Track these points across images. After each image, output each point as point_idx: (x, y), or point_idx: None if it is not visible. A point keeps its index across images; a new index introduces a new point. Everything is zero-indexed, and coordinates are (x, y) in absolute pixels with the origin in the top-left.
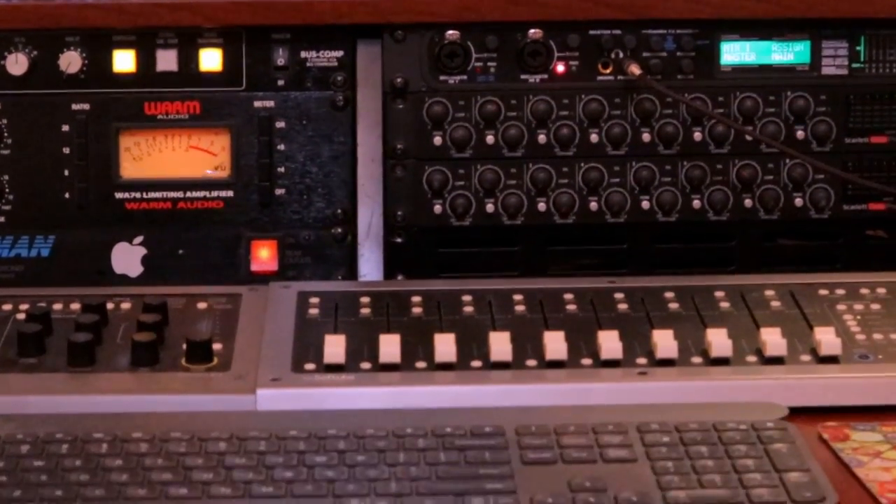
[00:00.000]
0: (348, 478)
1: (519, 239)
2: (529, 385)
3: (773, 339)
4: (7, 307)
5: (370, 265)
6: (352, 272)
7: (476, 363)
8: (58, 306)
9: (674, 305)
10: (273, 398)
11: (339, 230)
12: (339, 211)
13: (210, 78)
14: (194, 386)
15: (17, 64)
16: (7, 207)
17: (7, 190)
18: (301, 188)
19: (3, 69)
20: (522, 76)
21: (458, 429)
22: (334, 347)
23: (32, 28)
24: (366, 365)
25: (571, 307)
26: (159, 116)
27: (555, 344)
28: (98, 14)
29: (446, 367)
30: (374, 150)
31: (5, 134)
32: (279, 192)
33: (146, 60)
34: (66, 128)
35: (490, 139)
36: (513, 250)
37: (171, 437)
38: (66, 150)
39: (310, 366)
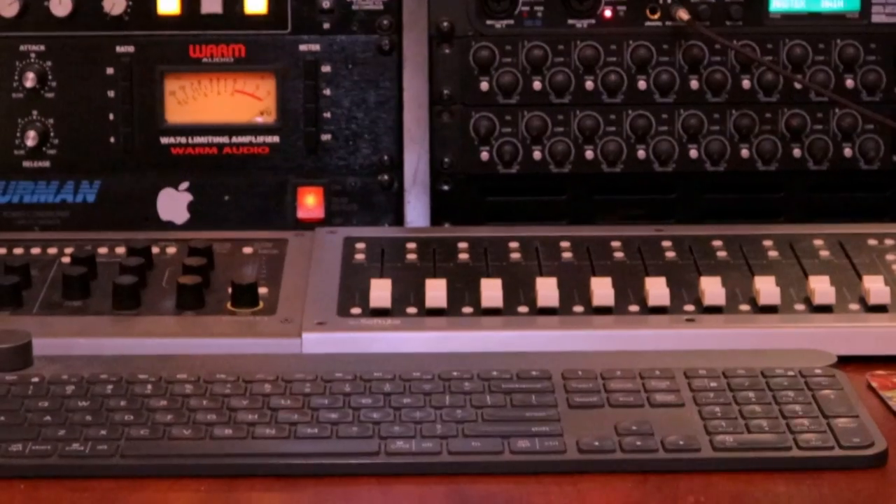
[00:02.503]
0: (394, 419)
1: (566, 187)
2: (576, 331)
3: (821, 288)
4: (52, 251)
5: (416, 213)
6: (398, 219)
7: (523, 309)
8: (103, 250)
9: (722, 254)
10: (318, 342)
11: (386, 177)
12: (386, 157)
13: (255, 20)
14: (239, 329)
15: (61, 5)
16: (52, 152)
17: (52, 134)
18: (347, 134)
19: (48, 10)
20: (570, 21)
21: (505, 372)
22: (380, 291)
23: None
24: (412, 310)
25: (619, 255)
26: (204, 60)
27: (602, 290)
28: None
29: (493, 312)
30: (421, 95)
31: (49, 77)
32: (325, 137)
33: (191, 2)
34: (110, 71)
35: (537, 85)
36: (560, 199)
37: (217, 379)
38: (111, 94)
39: (356, 310)
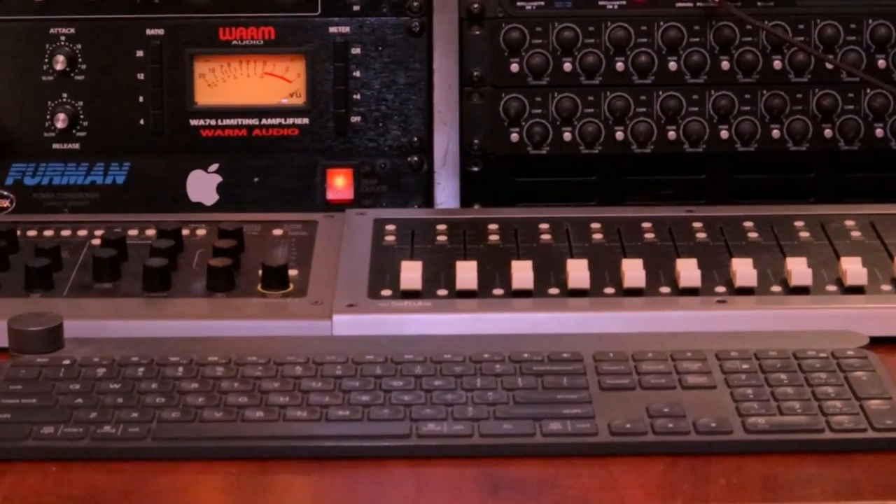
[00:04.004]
0: (425, 402)
1: (596, 168)
2: (607, 312)
3: (853, 269)
4: (82, 233)
5: (446, 194)
6: (428, 201)
7: (553, 291)
8: (133, 232)
9: (753, 235)
10: (349, 324)
11: (416, 158)
12: (416, 139)
13: (285, 3)
14: (270, 311)
15: None
16: (82, 134)
17: (82, 116)
18: (377, 116)
19: None
20: (600, 2)
21: (536, 354)
22: (411, 273)
23: None
24: (442, 292)
25: (649, 236)
26: (234, 42)
27: (633, 271)
28: None
29: (523, 294)
30: (451, 77)
31: (79, 59)
32: (355, 119)
33: None
34: (140, 53)
35: (567, 66)
36: (590, 180)
37: (248, 361)
38: (141, 76)
39: (386, 292)
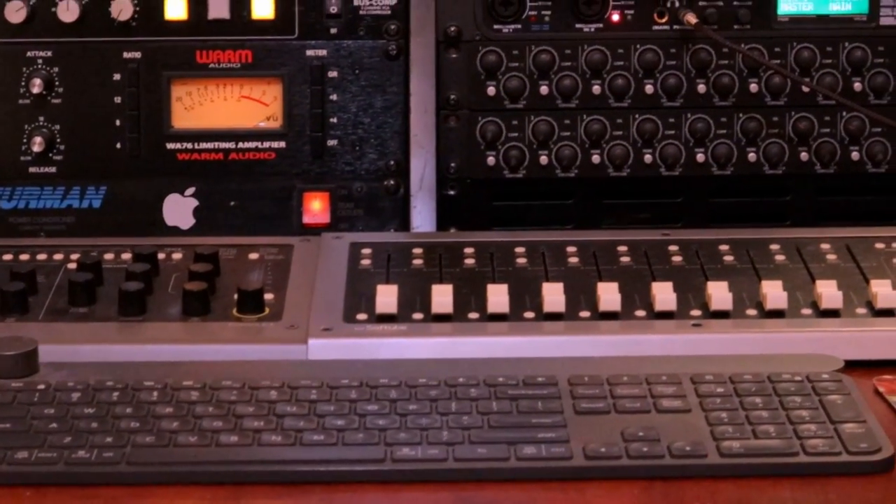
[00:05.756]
0: (400, 426)
1: (573, 192)
2: (583, 336)
3: (828, 292)
4: (58, 257)
5: (423, 217)
6: (404, 224)
7: (529, 314)
8: (109, 256)
9: (728, 258)
10: (324, 348)
11: (392, 182)
12: (392, 162)
13: (262, 26)
14: (245, 336)
15: (69, 11)
16: (58, 158)
17: (58, 140)
18: (353, 139)
19: (55, 16)
20: (577, 25)
21: (511, 378)
22: (386, 297)
23: None
24: (418, 315)
25: (625, 259)
26: (211, 65)
27: (608, 295)
28: None
29: (499, 317)
30: (427, 100)
31: (56, 83)
32: (331, 143)
33: (198, 8)
34: (117, 76)
35: (544, 90)
36: (566, 203)
37: (222, 386)
38: (118, 100)
39: (362, 316)
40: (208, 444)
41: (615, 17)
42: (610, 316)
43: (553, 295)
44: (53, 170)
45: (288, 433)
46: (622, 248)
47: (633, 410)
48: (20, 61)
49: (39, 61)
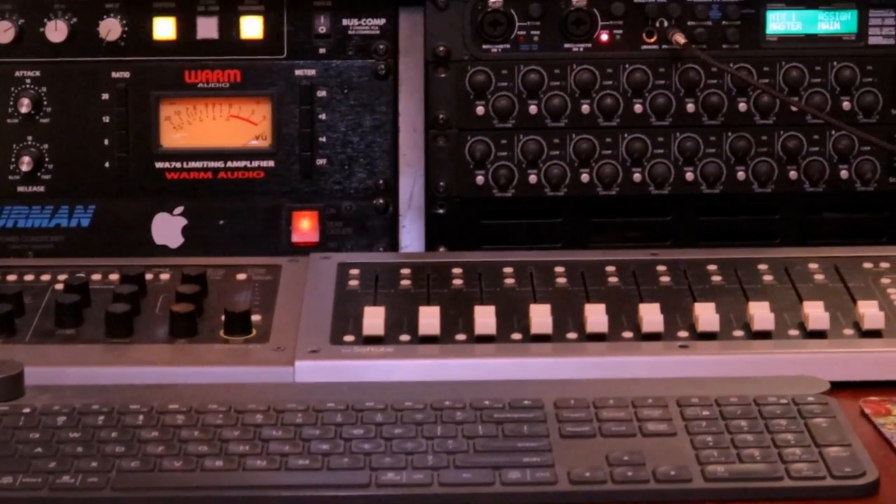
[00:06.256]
0: (385, 450)
1: (562, 211)
2: (569, 358)
3: (815, 313)
4: (45, 278)
5: (411, 236)
6: (393, 244)
7: (516, 336)
8: (96, 277)
9: (717, 278)
10: (311, 370)
11: (381, 201)
12: (381, 182)
13: (251, 46)
14: (232, 358)
15: (57, 31)
16: (47, 177)
17: (47, 159)
18: (342, 158)
19: (43, 36)
20: (566, 45)
21: (497, 402)
22: (373, 319)
23: None
24: (405, 337)
25: (613, 279)
26: (200, 85)
27: (596, 316)
28: None
29: (486, 339)
30: (416, 119)
31: (44, 102)
32: (320, 162)
33: (187, 28)
34: (105, 96)
35: (533, 109)
36: (555, 222)
37: (208, 409)
38: (106, 119)
39: (349, 337)
40: (193, 468)
41: (604, 37)
42: (597, 337)
43: (540, 316)
44: (42, 189)
45: (273, 457)
46: (610, 269)
47: (619, 434)
48: (8, 81)
49: (28, 81)
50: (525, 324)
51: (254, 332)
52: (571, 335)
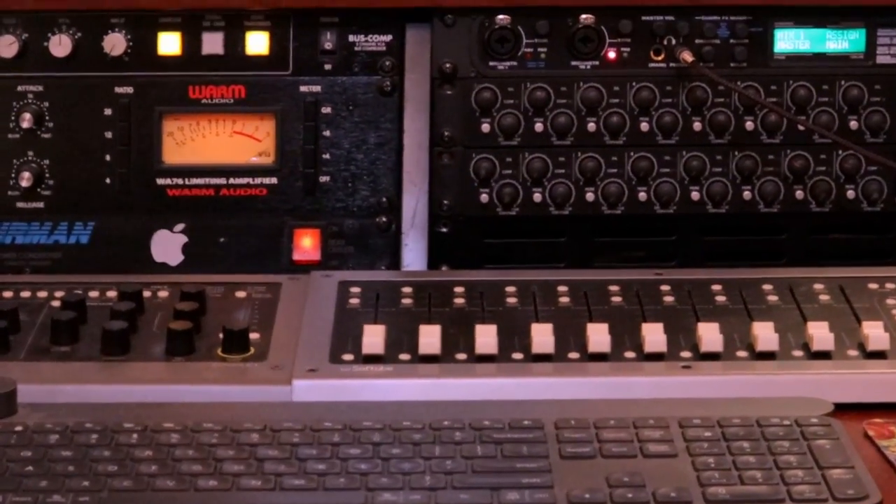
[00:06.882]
0: (382, 471)
1: (566, 230)
2: (571, 378)
3: (820, 334)
4: (42, 294)
5: (414, 255)
6: (395, 262)
7: (517, 355)
8: (93, 294)
9: (721, 298)
10: (309, 389)
11: (384, 219)
12: (384, 199)
13: (256, 62)
14: (229, 376)
15: (61, 45)
16: (47, 193)
17: (47, 175)
18: (346, 176)
19: (47, 50)
20: (573, 63)
21: (497, 422)
22: (373, 338)
23: (76, 9)
24: (405, 356)
25: (616, 299)
26: (203, 101)
27: (598, 336)
28: None
29: (487, 358)
30: (421, 136)
31: (46, 117)
32: (323, 179)
33: (191, 43)
34: (108, 111)
35: (539, 127)
36: (559, 241)
37: (203, 428)
38: (108, 135)
39: (348, 356)
40: (186, 488)
41: (611, 55)
42: (599, 357)
43: (542, 336)
44: (41, 205)
45: (268, 477)
46: (614, 288)
47: (620, 455)
48: (11, 96)
49: (30, 96)
50: (527, 343)
51: (252, 350)
52: (573, 355)
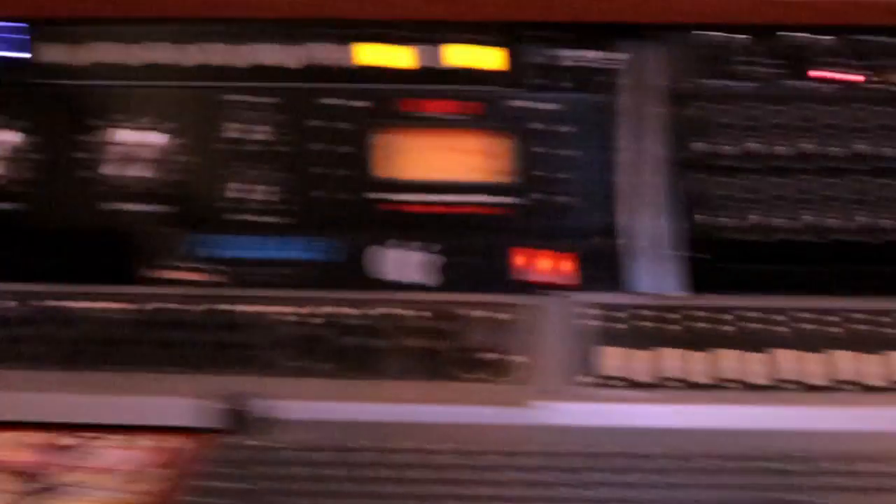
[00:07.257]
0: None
1: (821, 257)
2: (846, 408)
3: None
4: (279, 309)
5: (653, 278)
6: (634, 284)
7: (766, 382)
8: (328, 310)
9: None
10: (548, 412)
11: (621, 241)
12: (621, 221)
13: (492, 78)
14: (467, 396)
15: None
16: (283, 207)
17: (284, 189)
18: (584, 196)
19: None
20: (811, 84)
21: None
22: (613, 360)
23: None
24: (644, 379)
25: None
26: (433, 115)
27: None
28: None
29: (738, 385)
30: (660, 157)
31: (282, 130)
32: (561, 199)
33: (427, 57)
34: (344, 125)
35: (783, 149)
36: (811, 269)
37: (440, 450)
38: (349, 149)
39: (587, 379)
40: None
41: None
42: (878, 389)
43: (800, 363)
44: (278, 220)
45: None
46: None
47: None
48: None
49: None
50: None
51: (491, 371)
52: (843, 385)
